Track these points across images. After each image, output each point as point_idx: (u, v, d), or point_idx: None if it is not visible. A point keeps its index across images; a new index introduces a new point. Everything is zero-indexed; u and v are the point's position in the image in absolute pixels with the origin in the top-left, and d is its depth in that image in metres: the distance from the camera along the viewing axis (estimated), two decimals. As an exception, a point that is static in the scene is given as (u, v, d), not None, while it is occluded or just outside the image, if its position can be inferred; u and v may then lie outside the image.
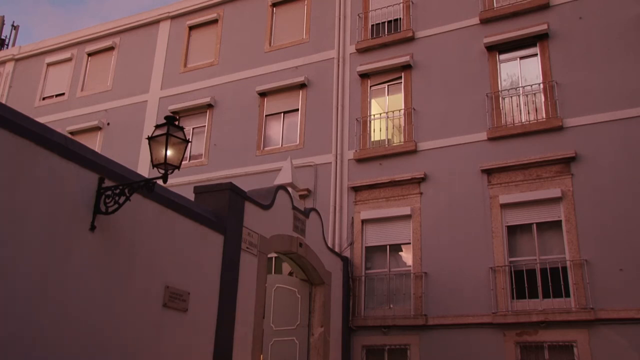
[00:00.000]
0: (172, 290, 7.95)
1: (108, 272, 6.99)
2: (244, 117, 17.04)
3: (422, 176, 13.96)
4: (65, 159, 6.59)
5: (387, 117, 15.30)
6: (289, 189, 11.73)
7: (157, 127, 6.87)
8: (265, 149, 16.46)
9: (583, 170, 12.58)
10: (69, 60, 21.44)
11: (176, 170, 6.88)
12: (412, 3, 16.03)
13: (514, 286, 12.42)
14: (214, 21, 19.15)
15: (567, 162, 12.76)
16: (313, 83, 16.49)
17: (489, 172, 13.39)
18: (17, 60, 22.60)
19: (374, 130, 15.34)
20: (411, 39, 15.57)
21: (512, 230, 12.95)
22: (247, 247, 9.67)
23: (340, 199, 14.72)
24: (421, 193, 13.96)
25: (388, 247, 14.00)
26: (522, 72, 14.17)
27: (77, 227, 6.67)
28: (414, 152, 14.35)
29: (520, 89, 13.97)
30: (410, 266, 13.55)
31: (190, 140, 7.58)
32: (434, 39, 15.34)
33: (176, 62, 19.17)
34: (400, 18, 16.13)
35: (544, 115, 13.41)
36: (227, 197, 9.34)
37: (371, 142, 15.17)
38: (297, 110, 16.49)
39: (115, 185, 6.99)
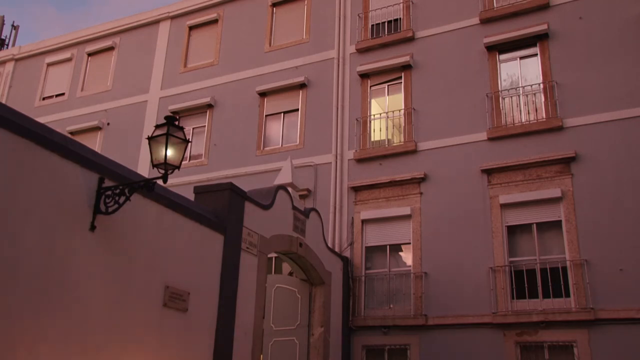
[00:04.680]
0: (172, 290, 7.95)
1: (108, 272, 6.99)
2: (244, 117, 17.04)
3: (422, 176, 13.96)
4: (65, 159, 6.59)
5: (387, 117, 15.30)
6: (289, 189, 11.73)
7: (157, 127, 6.86)
8: (265, 149, 16.45)
9: (583, 170, 12.58)
10: (69, 60, 21.44)
11: (176, 170, 6.88)
12: (412, 3, 16.03)
13: (514, 286, 12.42)
14: (214, 21, 19.15)
15: (567, 162, 12.76)
16: (313, 83, 16.49)
17: (489, 172, 13.39)
18: (17, 60, 22.60)
19: (374, 130, 15.34)
20: (411, 39, 15.57)
21: (512, 230, 12.95)
22: (247, 247, 9.67)
23: (340, 199, 14.72)
24: (421, 193, 13.96)
25: (388, 247, 14.00)
26: (522, 72, 14.17)
27: (77, 227, 6.67)
28: (414, 152, 14.35)
29: (520, 89, 13.97)
30: (410, 266, 13.55)
31: (190, 140, 7.58)
32: (433, 39, 15.34)
33: (176, 62, 19.17)
34: (400, 18, 16.13)
35: (544, 115, 13.41)
36: (227, 197, 9.34)
37: (371, 142, 15.17)
38: (297, 110, 16.48)
39: (115, 185, 6.99)
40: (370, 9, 16.64)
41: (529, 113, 13.64)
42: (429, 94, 14.82)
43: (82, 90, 20.64)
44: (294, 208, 11.53)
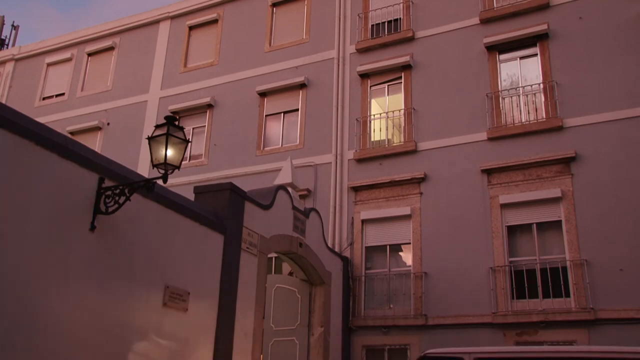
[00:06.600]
0: (172, 290, 7.95)
1: (108, 272, 6.99)
2: (244, 117, 17.04)
3: (422, 176, 13.96)
4: (65, 159, 6.59)
5: (387, 117, 15.30)
6: (289, 189, 11.73)
7: (157, 127, 6.87)
8: (265, 149, 16.46)
9: (583, 170, 12.58)
10: (69, 60, 21.44)
11: (176, 170, 6.88)
12: (412, 3, 16.03)
13: (514, 286, 12.42)
14: (214, 21, 19.15)
15: (567, 162, 12.76)
16: (313, 83, 16.49)
17: (489, 172, 13.39)
18: (17, 60, 22.60)
19: (374, 130, 15.34)
20: (411, 39, 15.57)
21: (512, 230, 12.95)
22: (247, 247, 9.67)
23: (340, 199, 14.72)
24: (421, 193, 13.96)
25: (388, 247, 14.00)
26: (522, 72, 14.17)
27: (77, 227, 6.67)
28: (414, 152, 14.35)
29: (520, 89, 13.97)
30: (410, 266, 13.55)
31: (190, 140, 7.58)
32: (434, 39, 15.34)
33: (176, 62, 19.17)
34: (400, 18, 16.13)
35: (544, 115, 13.41)
36: (227, 197, 9.34)
37: (371, 142, 15.17)
38: (297, 110, 16.49)
39: (115, 185, 6.99)
40: (370, 9, 16.64)
41: (529, 113, 13.64)
42: (429, 94, 14.82)
43: (82, 90, 20.64)
44: (294, 208, 11.53)
